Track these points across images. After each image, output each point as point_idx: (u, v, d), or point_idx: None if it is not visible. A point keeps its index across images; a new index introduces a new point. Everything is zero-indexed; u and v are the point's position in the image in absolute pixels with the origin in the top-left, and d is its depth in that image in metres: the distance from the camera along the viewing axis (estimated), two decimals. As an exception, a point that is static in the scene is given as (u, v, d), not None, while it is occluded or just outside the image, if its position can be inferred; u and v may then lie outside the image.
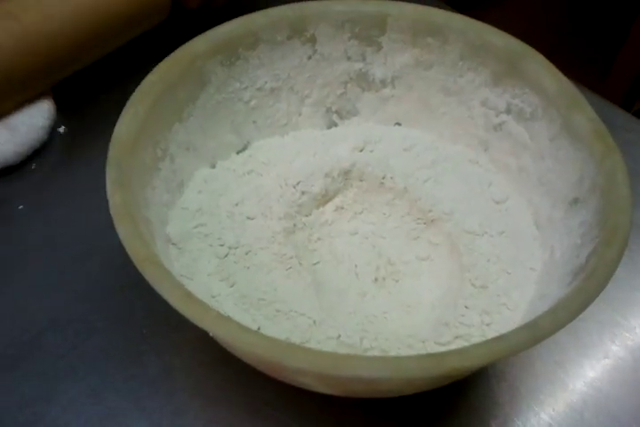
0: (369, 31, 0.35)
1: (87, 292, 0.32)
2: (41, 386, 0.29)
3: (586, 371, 0.30)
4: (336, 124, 0.37)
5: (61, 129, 0.40)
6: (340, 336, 0.26)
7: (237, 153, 0.35)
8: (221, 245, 0.30)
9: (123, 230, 0.24)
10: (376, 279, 0.30)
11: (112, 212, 0.24)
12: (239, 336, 0.20)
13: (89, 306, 0.31)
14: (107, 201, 0.36)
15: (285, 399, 0.27)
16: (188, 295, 0.22)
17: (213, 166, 0.34)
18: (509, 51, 0.32)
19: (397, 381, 0.21)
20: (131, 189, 0.26)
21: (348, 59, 0.36)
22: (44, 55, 0.37)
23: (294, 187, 0.32)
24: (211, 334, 0.22)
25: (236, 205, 0.32)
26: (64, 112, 0.40)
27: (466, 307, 0.27)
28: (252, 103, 0.35)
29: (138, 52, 0.42)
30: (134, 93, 0.29)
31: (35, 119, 0.38)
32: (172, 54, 0.31)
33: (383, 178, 0.32)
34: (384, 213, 0.32)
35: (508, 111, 0.33)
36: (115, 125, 0.27)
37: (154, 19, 0.42)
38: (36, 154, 0.38)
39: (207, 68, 0.33)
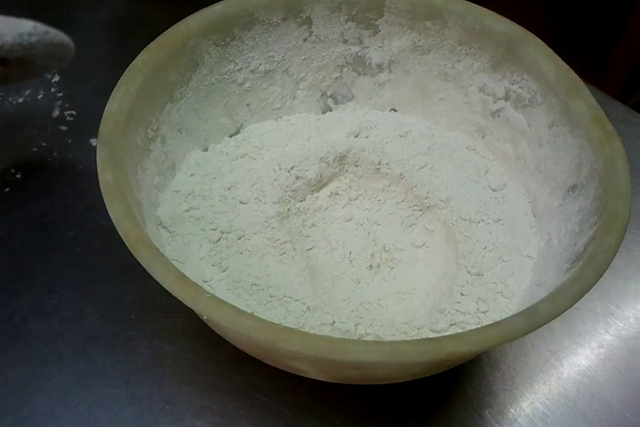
0: (366, 14, 0.34)
1: (74, 277, 0.31)
2: (26, 372, 0.28)
3: (580, 360, 0.30)
4: (331, 109, 0.37)
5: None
6: (334, 322, 0.25)
7: (230, 136, 0.35)
8: (214, 230, 0.29)
9: (114, 210, 0.23)
10: (371, 266, 0.29)
11: (103, 190, 0.23)
12: (234, 319, 0.20)
13: (76, 291, 0.30)
14: (96, 183, 0.35)
15: (278, 386, 0.27)
16: (182, 277, 0.21)
17: (206, 149, 0.34)
18: (509, 36, 0.32)
19: (394, 366, 0.21)
20: (122, 168, 0.25)
21: (345, 42, 0.35)
22: None
23: (288, 171, 0.31)
24: (204, 318, 0.22)
25: (229, 188, 0.31)
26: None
27: (462, 294, 0.27)
28: (246, 85, 0.35)
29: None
30: (126, 72, 0.28)
31: None
32: (165, 33, 0.31)
33: (379, 164, 0.32)
34: (379, 200, 0.32)
35: (507, 97, 0.32)
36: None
37: None
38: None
39: (200, 48, 0.32)
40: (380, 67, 0.36)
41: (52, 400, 0.27)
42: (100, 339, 0.29)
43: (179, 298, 0.21)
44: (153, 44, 0.30)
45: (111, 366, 0.28)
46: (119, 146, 0.26)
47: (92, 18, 0.46)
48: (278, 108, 0.36)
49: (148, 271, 0.21)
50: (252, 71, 0.34)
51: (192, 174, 0.32)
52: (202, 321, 0.26)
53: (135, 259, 0.29)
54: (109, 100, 0.27)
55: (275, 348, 0.20)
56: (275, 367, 0.25)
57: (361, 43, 0.35)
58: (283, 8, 0.33)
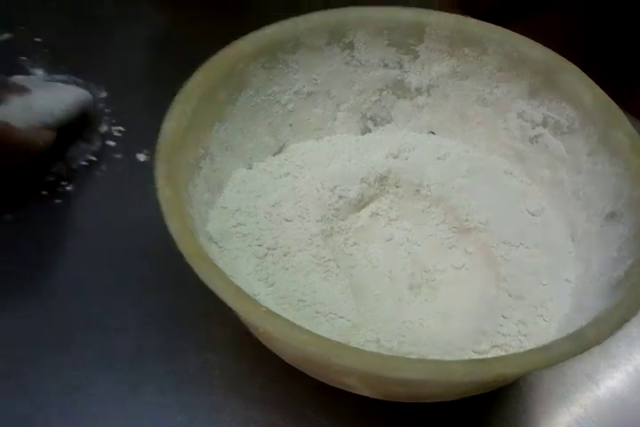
0: (407, 39, 0.36)
1: (125, 287, 0.32)
2: (79, 378, 0.29)
3: (615, 383, 0.30)
4: (370, 131, 0.38)
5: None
6: (378, 340, 0.26)
7: (273, 155, 0.36)
8: (260, 246, 0.30)
9: (174, 225, 0.24)
10: (411, 286, 0.30)
11: (163, 206, 0.25)
12: (290, 333, 0.21)
13: (126, 301, 0.31)
14: (148, 198, 0.37)
15: (323, 400, 0.28)
16: (239, 291, 0.22)
17: (250, 167, 0.35)
18: (546, 63, 0.33)
19: (442, 384, 0.22)
20: (178, 185, 0.26)
21: (385, 66, 0.36)
22: None
23: (331, 191, 0.32)
24: (260, 331, 0.22)
25: (274, 206, 0.32)
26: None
27: (503, 317, 0.27)
28: (290, 106, 0.36)
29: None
30: (180, 92, 0.30)
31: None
32: (217, 55, 0.32)
33: (419, 185, 0.33)
34: (419, 221, 0.33)
35: (545, 124, 0.33)
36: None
37: None
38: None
39: (249, 71, 0.33)
40: (419, 90, 0.37)
41: (104, 406, 0.28)
42: (150, 348, 0.30)
43: (236, 311, 0.22)
44: (206, 66, 0.31)
45: (162, 375, 0.29)
46: (175, 163, 0.27)
47: (137, 35, 0.47)
48: (319, 129, 0.37)
49: (208, 285, 0.22)
50: (295, 93, 0.36)
51: (238, 191, 0.33)
52: (248, 333, 0.27)
53: (185, 272, 0.30)
54: (166, 120, 0.28)
55: (328, 363, 0.20)
56: (320, 381, 0.26)
57: (401, 67, 0.37)
58: (327, 33, 0.35)
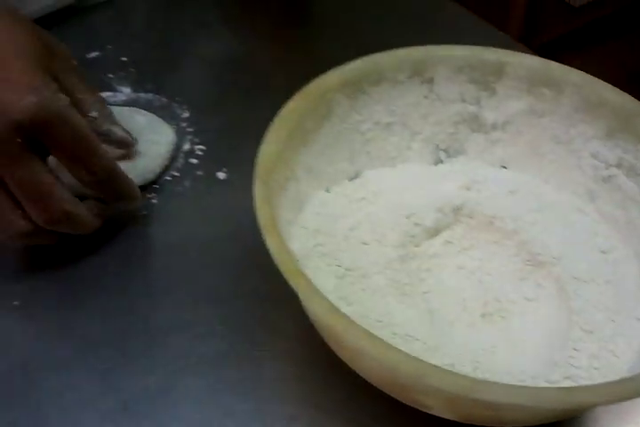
0: (486, 77, 0.37)
1: (207, 297, 0.34)
2: (163, 380, 0.31)
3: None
4: (442, 161, 0.39)
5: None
6: (453, 365, 0.27)
7: (349, 180, 0.37)
8: (339, 266, 0.31)
9: (273, 243, 0.25)
10: (483, 314, 0.31)
11: (261, 224, 0.26)
12: (384, 352, 0.22)
13: (209, 311, 0.33)
14: (226, 214, 0.39)
15: (395, 418, 0.29)
16: (335, 309, 0.23)
17: (328, 191, 0.36)
18: (624, 108, 0.34)
19: (529, 409, 0.23)
20: (272, 205, 0.28)
21: (463, 101, 0.38)
22: None
23: (407, 218, 0.33)
24: (353, 347, 0.24)
25: (351, 229, 0.34)
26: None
27: (575, 349, 0.28)
28: (368, 135, 0.37)
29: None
30: (276, 119, 0.32)
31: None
32: (308, 86, 0.34)
33: (493, 217, 0.34)
34: (491, 252, 0.34)
35: (619, 165, 0.34)
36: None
37: None
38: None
39: (335, 100, 0.35)
40: (494, 126, 0.38)
41: (184, 408, 0.30)
42: (228, 355, 0.32)
43: (330, 326, 0.23)
44: (298, 95, 0.33)
45: (239, 382, 0.30)
46: (270, 184, 0.29)
47: (218, 57, 0.50)
48: (394, 157, 0.39)
49: (304, 300, 0.24)
50: (374, 123, 0.37)
51: (317, 213, 0.34)
52: (324, 348, 0.29)
53: (265, 284, 0.32)
54: (263, 144, 0.30)
55: (417, 382, 0.22)
56: (394, 399, 0.27)
57: (478, 103, 0.38)
58: (409, 68, 0.36)
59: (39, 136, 0.29)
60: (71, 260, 0.36)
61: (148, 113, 0.43)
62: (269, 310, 0.33)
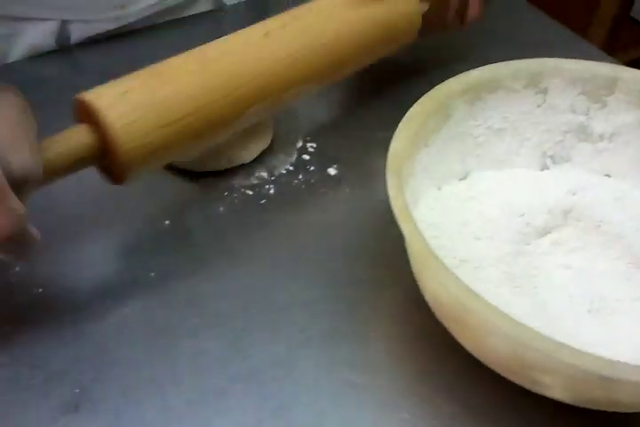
0: (598, 90, 0.39)
1: (322, 281, 0.37)
2: (283, 352, 0.34)
3: None
4: (547, 168, 0.41)
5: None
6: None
7: (459, 180, 0.40)
8: (454, 257, 0.34)
9: (407, 228, 0.28)
10: (590, 311, 0.33)
11: (396, 212, 0.29)
12: (518, 329, 0.24)
13: (325, 292, 0.37)
14: (336, 206, 0.42)
15: (504, 398, 0.31)
16: (470, 290, 0.26)
17: (439, 189, 0.39)
18: None
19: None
20: (404, 194, 0.31)
21: (573, 111, 0.40)
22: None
23: (520, 217, 0.36)
24: (485, 325, 0.26)
25: (463, 225, 0.36)
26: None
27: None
28: (480, 139, 0.40)
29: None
30: (404, 119, 0.35)
31: (265, 128, 0.45)
32: (432, 91, 0.37)
33: (600, 221, 0.36)
34: (597, 253, 0.36)
35: None
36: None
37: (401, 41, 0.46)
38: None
39: (455, 105, 0.38)
40: (601, 136, 0.40)
41: (307, 377, 0.33)
42: (341, 333, 0.35)
43: (466, 306, 0.26)
44: (423, 99, 0.36)
45: (354, 357, 0.33)
46: (400, 177, 0.32)
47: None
48: (502, 161, 0.41)
49: (441, 282, 0.26)
50: (487, 128, 0.40)
51: (431, 208, 0.37)
52: (434, 331, 0.32)
53: (376, 268, 0.34)
54: (394, 140, 0.33)
55: (547, 359, 0.24)
56: (503, 380, 0.29)
57: (587, 114, 0.40)
58: (526, 78, 0.39)
59: None
60: (200, 242, 0.40)
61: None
62: (380, 294, 0.36)
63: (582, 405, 0.28)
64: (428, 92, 0.36)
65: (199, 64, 0.37)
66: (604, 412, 0.29)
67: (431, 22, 0.47)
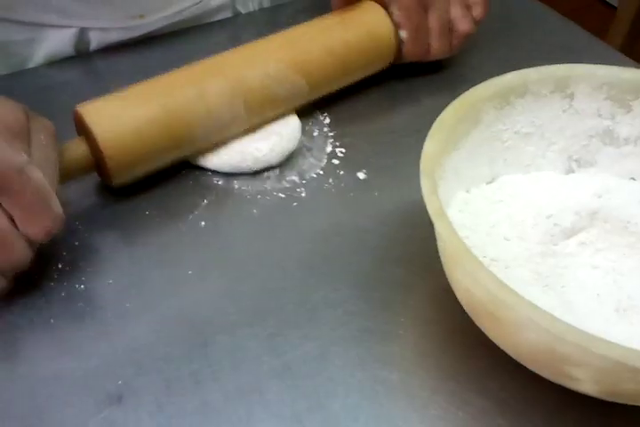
0: (624, 95, 0.40)
1: (352, 281, 0.38)
2: (318, 348, 0.35)
3: None
4: (573, 171, 0.42)
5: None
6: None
7: (487, 184, 0.41)
8: (484, 257, 0.35)
9: (442, 226, 0.29)
10: (617, 310, 0.34)
11: (431, 211, 0.30)
12: (552, 322, 0.25)
13: (356, 292, 0.38)
14: (367, 209, 0.43)
15: (533, 392, 0.32)
16: (504, 284, 0.27)
17: (468, 192, 0.40)
18: None
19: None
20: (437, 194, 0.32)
21: (599, 116, 0.41)
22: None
23: (547, 218, 0.36)
24: (520, 318, 0.27)
25: (492, 226, 0.37)
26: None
27: None
28: (508, 143, 0.41)
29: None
30: (436, 122, 0.36)
31: (292, 130, 0.47)
32: (463, 95, 0.38)
33: (627, 222, 0.36)
34: (624, 254, 0.36)
35: None
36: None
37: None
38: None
39: (484, 110, 0.39)
40: (626, 140, 0.41)
41: (339, 373, 0.34)
42: (374, 331, 0.36)
43: (499, 300, 0.27)
44: (455, 103, 0.37)
45: (384, 355, 0.34)
46: (433, 178, 0.33)
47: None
48: (528, 165, 0.42)
49: (474, 276, 0.27)
50: (515, 132, 0.41)
51: (460, 210, 0.38)
52: (462, 329, 0.32)
53: (402, 271, 0.36)
54: (427, 142, 0.34)
55: (581, 352, 0.25)
56: (532, 374, 0.30)
57: (613, 118, 0.41)
58: (553, 83, 0.40)
59: None
60: (236, 240, 0.41)
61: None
62: (409, 295, 0.37)
63: (611, 398, 0.29)
64: (459, 97, 0.37)
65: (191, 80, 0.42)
66: (633, 409, 0.29)
67: (413, 50, 0.49)
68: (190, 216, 0.42)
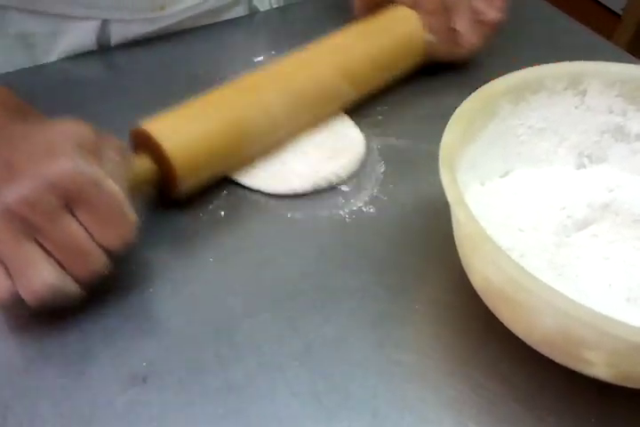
0: (636, 92, 0.41)
1: (372, 268, 0.40)
2: (340, 330, 0.36)
3: None
4: (584, 166, 0.43)
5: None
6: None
7: (500, 177, 0.42)
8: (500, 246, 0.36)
9: (462, 215, 0.31)
10: (628, 299, 0.35)
11: (451, 199, 0.31)
12: (570, 303, 0.26)
13: (375, 279, 0.39)
14: (387, 201, 0.44)
15: (547, 377, 0.33)
16: (524, 269, 0.28)
17: (482, 185, 0.41)
18: None
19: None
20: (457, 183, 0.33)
21: (610, 112, 0.42)
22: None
23: (561, 210, 0.38)
24: (537, 301, 0.28)
25: (507, 217, 0.38)
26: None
27: None
28: (522, 138, 0.42)
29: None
30: (454, 115, 0.37)
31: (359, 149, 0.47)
32: (479, 90, 0.39)
33: (638, 215, 0.38)
34: (635, 246, 0.37)
35: None
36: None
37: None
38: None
39: (500, 104, 0.40)
40: (637, 137, 0.42)
41: (356, 354, 0.35)
42: (389, 316, 0.37)
43: (518, 283, 0.28)
44: (472, 97, 0.38)
45: (402, 339, 0.36)
46: (451, 167, 0.34)
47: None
48: (541, 160, 0.43)
49: (494, 262, 0.28)
50: (528, 127, 0.42)
51: (476, 202, 0.39)
52: (478, 314, 0.34)
53: (419, 260, 0.37)
54: (445, 135, 0.35)
55: (596, 333, 0.26)
56: (545, 359, 0.31)
57: (624, 115, 0.42)
58: (566, 80, 0.41)
59: (72, 199, 0.32)
60: (254, 229, 0.42)
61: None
62: (425, 281, 0.38)
63: (624, 383, 0.30)
64: (476, 91, 0.38)
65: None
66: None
67: (444, 50, 0.51)
68: (210, 206, 0.43)
